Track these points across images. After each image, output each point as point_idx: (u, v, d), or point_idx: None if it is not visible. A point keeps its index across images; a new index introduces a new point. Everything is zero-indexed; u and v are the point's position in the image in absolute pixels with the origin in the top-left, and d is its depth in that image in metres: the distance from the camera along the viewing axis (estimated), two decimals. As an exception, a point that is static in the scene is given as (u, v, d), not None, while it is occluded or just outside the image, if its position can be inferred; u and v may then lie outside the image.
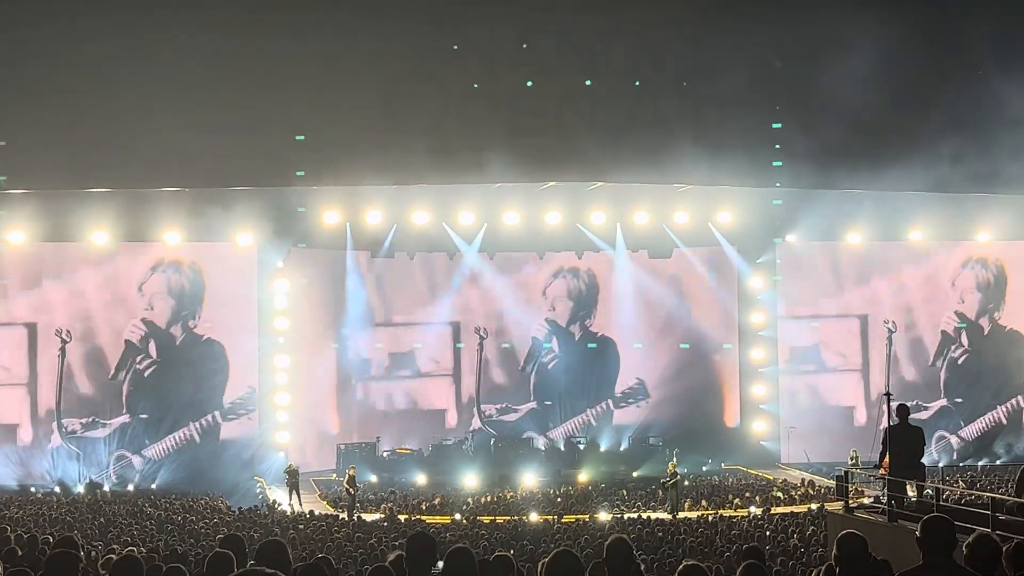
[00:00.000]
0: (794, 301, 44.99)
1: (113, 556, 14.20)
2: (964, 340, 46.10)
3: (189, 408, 41.23)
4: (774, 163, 38.29)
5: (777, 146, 37.37)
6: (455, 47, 36.42)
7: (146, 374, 40.96)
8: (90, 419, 40.44)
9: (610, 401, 45.38)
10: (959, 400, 45.57)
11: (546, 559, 7.27)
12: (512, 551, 19.75)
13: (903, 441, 18.21)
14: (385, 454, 41.95)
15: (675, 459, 36.44)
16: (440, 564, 7.41)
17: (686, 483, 37.31)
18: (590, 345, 45.37)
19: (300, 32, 35.35)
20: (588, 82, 37.36)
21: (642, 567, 11.58)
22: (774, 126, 37.28)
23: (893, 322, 45.53)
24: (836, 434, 44.56)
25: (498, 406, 44.91)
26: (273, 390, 41.48)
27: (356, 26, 35.21)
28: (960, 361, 46.05)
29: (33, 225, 38.78)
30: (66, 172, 34.97)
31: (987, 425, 45.59)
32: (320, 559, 9.61)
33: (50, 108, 33.74)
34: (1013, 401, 45.92)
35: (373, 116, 35.92)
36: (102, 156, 34.70)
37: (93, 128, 33.98)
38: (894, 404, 18.88)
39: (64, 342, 40.27)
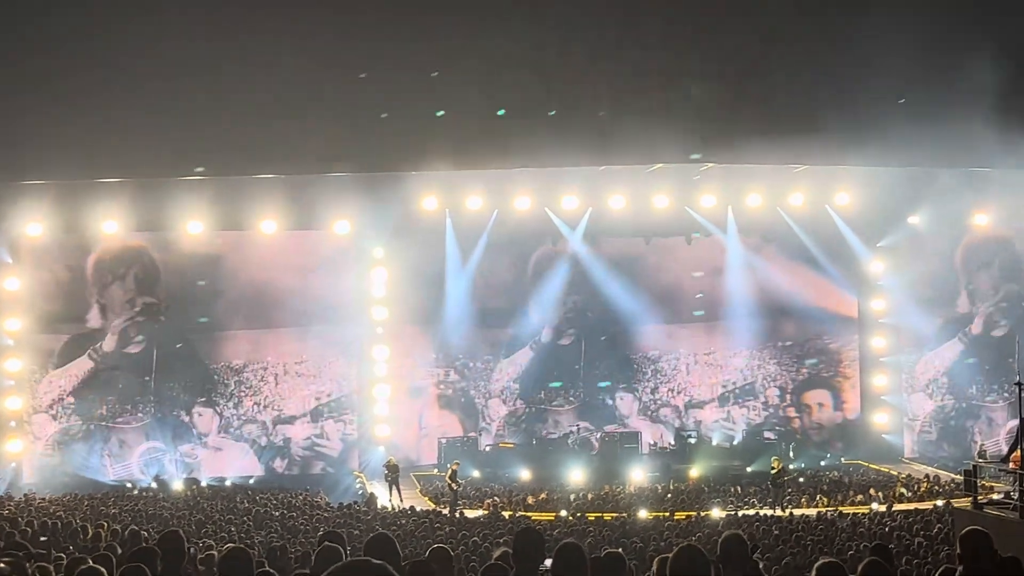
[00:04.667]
0: (918, 286, 42.72)
1: (213, 553, 14.04)
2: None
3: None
4: None
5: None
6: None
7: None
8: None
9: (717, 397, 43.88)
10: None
11: (668, 556, 7.07)
12: (621, 549, 18.51)
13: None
14: (487, 448, 40.91)
15: (781, 455, 35.74)
16: (548, 562, 7.31)
17: (800, 479, 35.97)
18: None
19: (400, 16, 34.36)
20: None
21: (760, 565, 11.15)
22: None
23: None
24: (963, 427, 42.63)
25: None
26: (372, 382, 40.63)
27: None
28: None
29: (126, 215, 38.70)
30: (161, 160, 34.46)
31: None
32: (437, 548, 8.98)
33: (146, 96, 33.15)
34: None
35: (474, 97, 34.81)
36: (198, 144, 34.11)
37: (189, 116, 33.33)
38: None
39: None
